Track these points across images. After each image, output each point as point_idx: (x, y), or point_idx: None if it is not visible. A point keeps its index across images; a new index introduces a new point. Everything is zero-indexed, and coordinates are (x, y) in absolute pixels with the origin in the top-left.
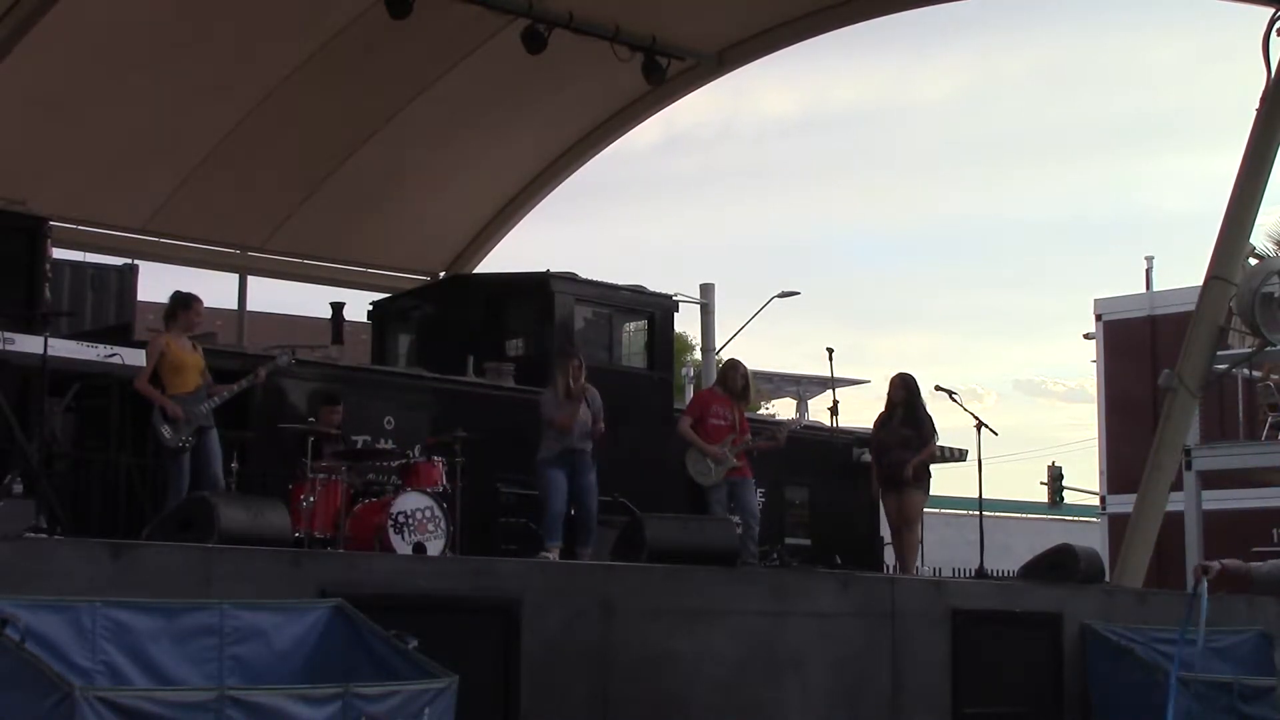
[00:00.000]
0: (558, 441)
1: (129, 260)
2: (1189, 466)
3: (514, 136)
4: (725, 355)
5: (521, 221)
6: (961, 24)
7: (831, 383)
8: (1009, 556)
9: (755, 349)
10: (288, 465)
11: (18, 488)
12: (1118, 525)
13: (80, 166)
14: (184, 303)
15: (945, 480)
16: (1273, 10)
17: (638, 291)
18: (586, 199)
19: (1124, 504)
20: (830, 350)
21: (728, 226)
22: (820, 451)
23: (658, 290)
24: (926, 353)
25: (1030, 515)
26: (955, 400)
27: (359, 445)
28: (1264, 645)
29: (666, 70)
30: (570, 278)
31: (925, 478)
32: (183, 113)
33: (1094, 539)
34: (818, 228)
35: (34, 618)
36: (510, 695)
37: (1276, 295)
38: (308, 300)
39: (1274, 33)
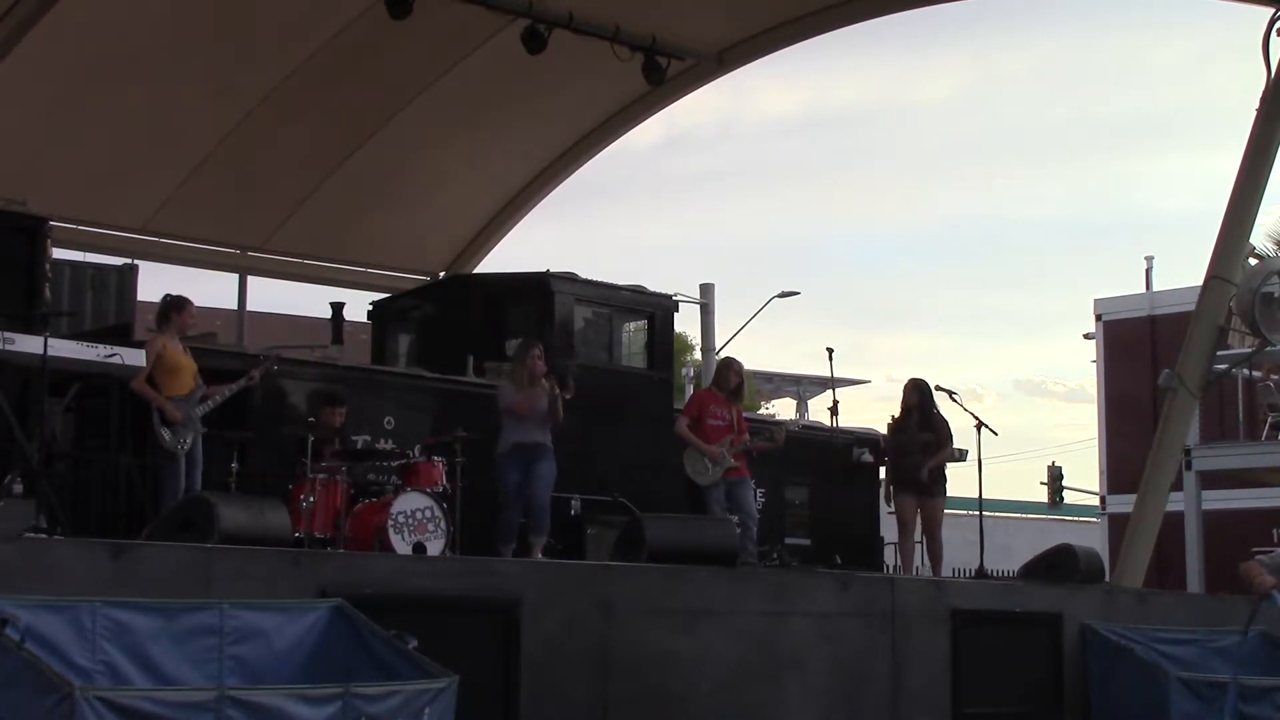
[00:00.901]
0: (513, 433)
1: (129, 260)
2: (1189, 466)
3: (514, 136)
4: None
5: (521, 221)
6: (961, 24)
7: (831, 383)
8: (1009, 556)
9: (755, 349)
10: (288, 465)
11: (18, 488)
12: (1118, 525)
13: (80, 166)
14: (177, 305)
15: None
16: (1273, 10)
17: (638, 291)
18: (586, 199)
19: (1124, 504)
20: (830, 350)
21: (728, 226)
22: (820, 451)
23: (658, 290)
24: (926, 353)
25: (1030, 515)
26: (955, 400)
27: (359, 445)
28: (1264, 645)
29: (666, 70)
30: (570, 278)
31: (943, 482)
32: (183, 113)
33: (1094, 539)
34: (818, 228)
35: (34, 618)
36: (510, 695)
37: (1276, 295)
38: (308, 300)
39: (1274, 33)
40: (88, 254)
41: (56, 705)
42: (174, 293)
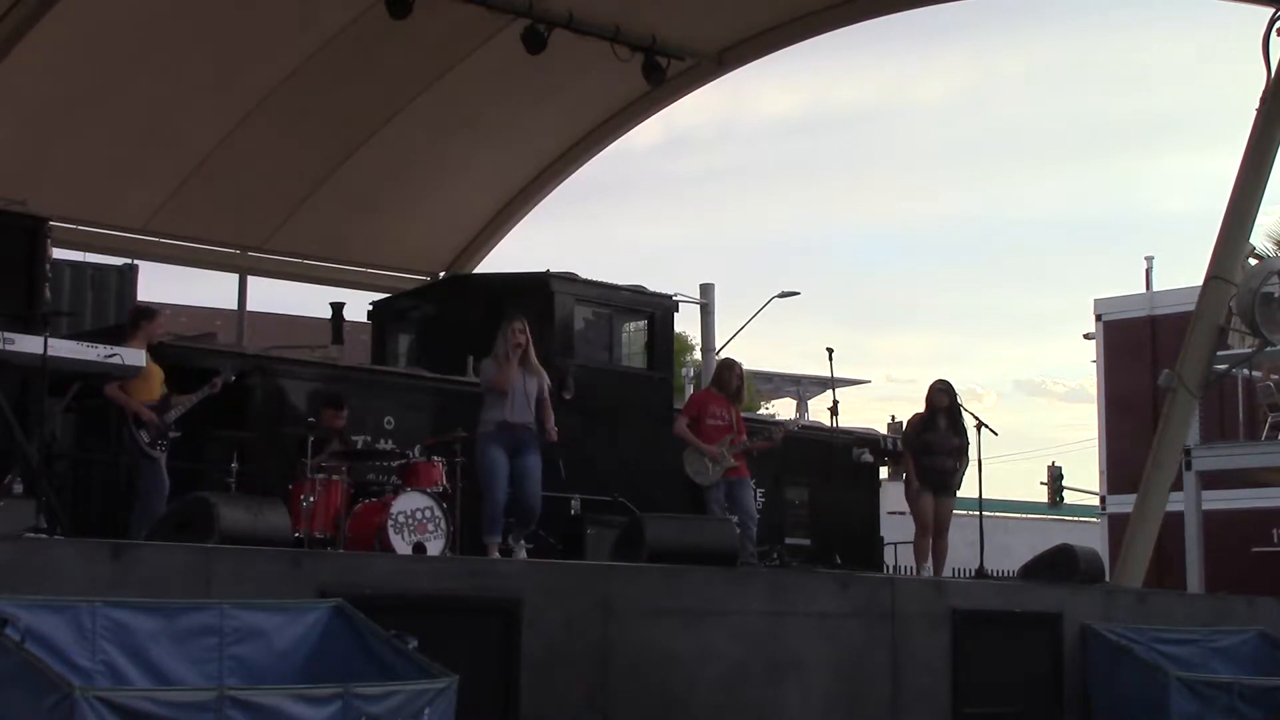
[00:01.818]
0: (497, 411)
1: (129, 260)
2: (1189, 466)
3: (514, 136)
4: (724, 355)
5: (521, 221)
6: (961, 24)
7: (831, 383)
8: (1009, 556)
9: (755, 349)
10: (288, 465)
11: (18, 488)
12: (1118, 525)
13: (80, 166)
14: (146, 314)
15: None
16: (1273, 10)
17: (638, 291)
18: (586, 199)
19: (1124, 504)
20: (830, 350)
21: (728, 226)
22: (820, 451)
23: (658, 290)
24: (926, 353)
25: (1030, 515)
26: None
27: (359, 445)
28: (1264, 645)
29: (666, 70)
30: (570, 278)
31: (959, 485)
32: (182, 113)
33: (1094, 539)
34: (818, 228)
35: (34, 618)
36: (510, 695)
37: (1276, 295)
38: (308, 300)
39: (1274, 33)
40: (88, 254)
41: (56, 705)
42: (145, 302)
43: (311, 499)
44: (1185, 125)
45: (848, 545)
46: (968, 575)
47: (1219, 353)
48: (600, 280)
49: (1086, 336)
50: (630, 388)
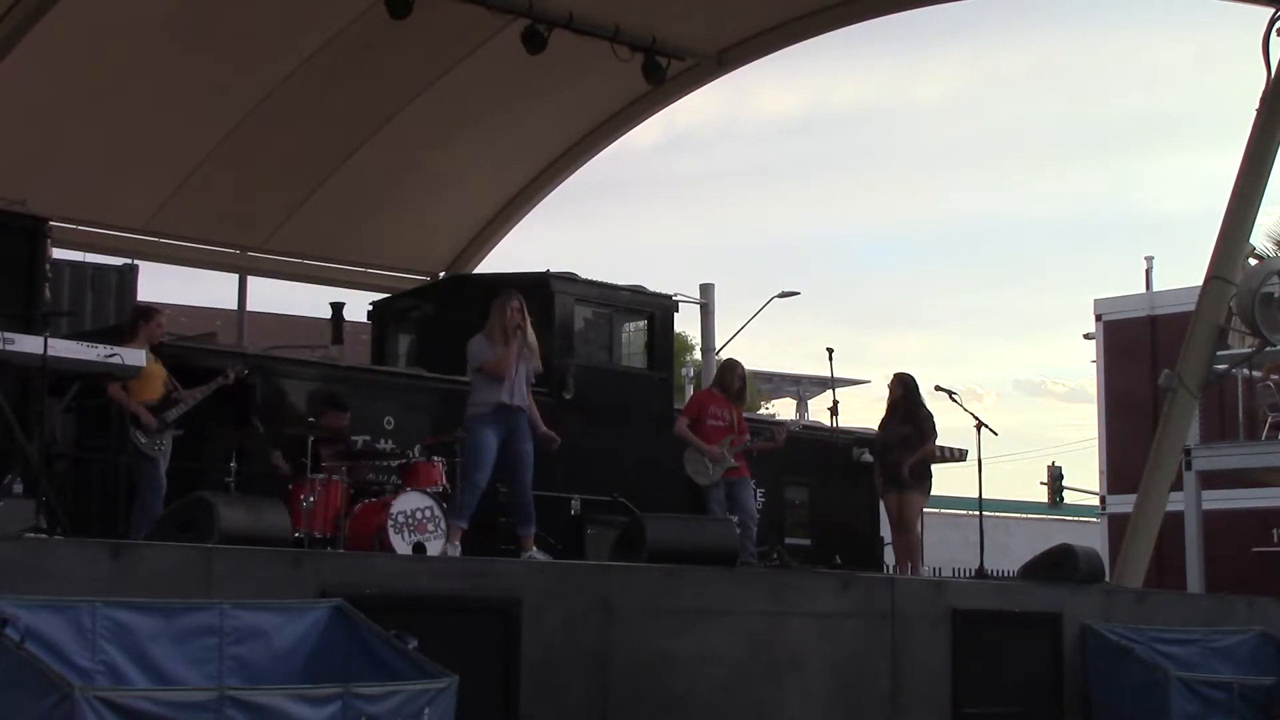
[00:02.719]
0: (493, 393)
1: (129, 260)
2: (1189, 466)
3: (514, 137)
4: (725, 355)
5: (521, 221)
6: (961, 24)
7: (831, 383)
8: (1009, 556)
9: (755, 349)
10: (288, 465)
11: (18, 488)
12: (1118, 525)
13: (80, 166)
14: (145, 314)
15: (945, 480)
16: (1273, 10)
17: (638, 291)
18: (586, 199)
19: (1124, 504)
20: (830, 350)
21: (728, 226)
22: (820, 451)
23: (658, 290)
24: (926, 353)
25: (1030, 515)
26: (955, 400)
27: (359, 445)
28: (1264, 645)
29: (666, 70)
30: (570, 278)
31: (925, 478)
32: (183, 113)
33: (1094, 539)
34: (818, 228)
35: (34, 618)
36: (510, 695)
37: (1276, 295)
38: (308, 300)
39: (1274, 33)
40: (88, 254)
41: (56, 705)
42: (145, 301)
43: (311, 499)
44: (1185, 125)
45: (848, 545)
46: (968, 575)
47: (1219, 353)
48: (600, 280)
49: (1086, 336)
50: (630, 388)
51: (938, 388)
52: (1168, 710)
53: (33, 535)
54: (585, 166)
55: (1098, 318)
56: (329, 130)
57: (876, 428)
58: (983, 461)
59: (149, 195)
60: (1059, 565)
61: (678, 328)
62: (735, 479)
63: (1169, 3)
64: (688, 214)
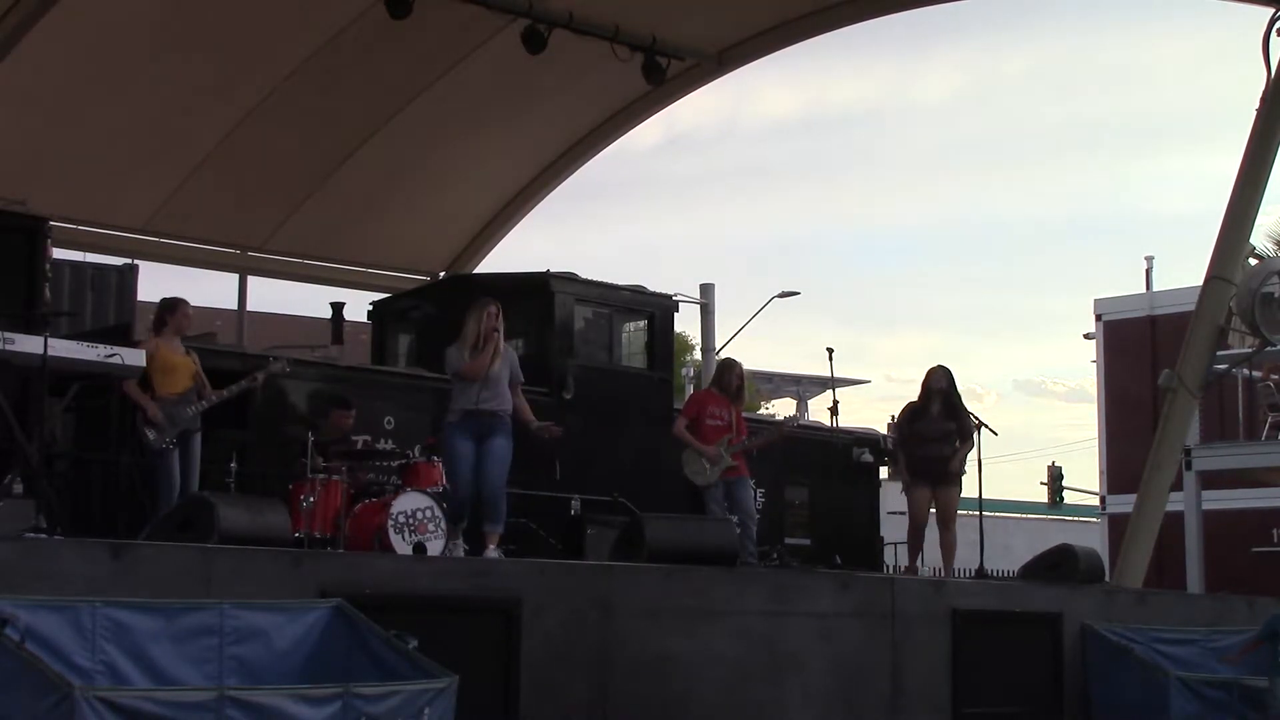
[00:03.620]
0: (463, 399)
1: (129, 260)
2: (1189, 466)
3: (514, 136)
4: (725, 355)
5: (521, 221)
6: (961, 24)
7: (831, 383)
8: (1009, 556)
9: (755, 349)
10: (288, 465)
11: (18, 488)
12: (1118, 525)
13: (80, 166)
14: (170, 307)
15: None
16: (1273, 10)
17: (638, 291)
18: (586, 199)
19: (1124, 504)
20: (830, 350)
21: (728, 226)
22: (820, 451)
23: (658, 290)
24: (926, 353)
25: (1030, 515)
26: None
27: (359, 445)
28: (1264, 645)
29: (666, 70)
30: (570, 278)
31: (962, 474)
32: (183, 113)
33: (1094, 539)
34: (818, 228)
35: (34, 618)
36: (510, 695)
37: (1276, 295)
38: (308, 300)
39: (1274, 33)
40: (88, 254)
41: (56, 705)
42: (171, 295)
43: (311, 499)
44: (1185, 125)
45: (848, 545)
46: (968, 575)
47: (1219, 353)
48: (600, 280)
49: (1086, 336)
50: (630, 388)
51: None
52: (1168, 710)
53: (33, 535)
54: (585, 166)
55: (1098, 318)
56: (329, 130)
57: (899, 416)
58: (983, 461)
59: (149, 195)
60: (1059, 565)
61: (678, 328)
62: (733, 479)
63: (1169, 3)
64: (688, 214)
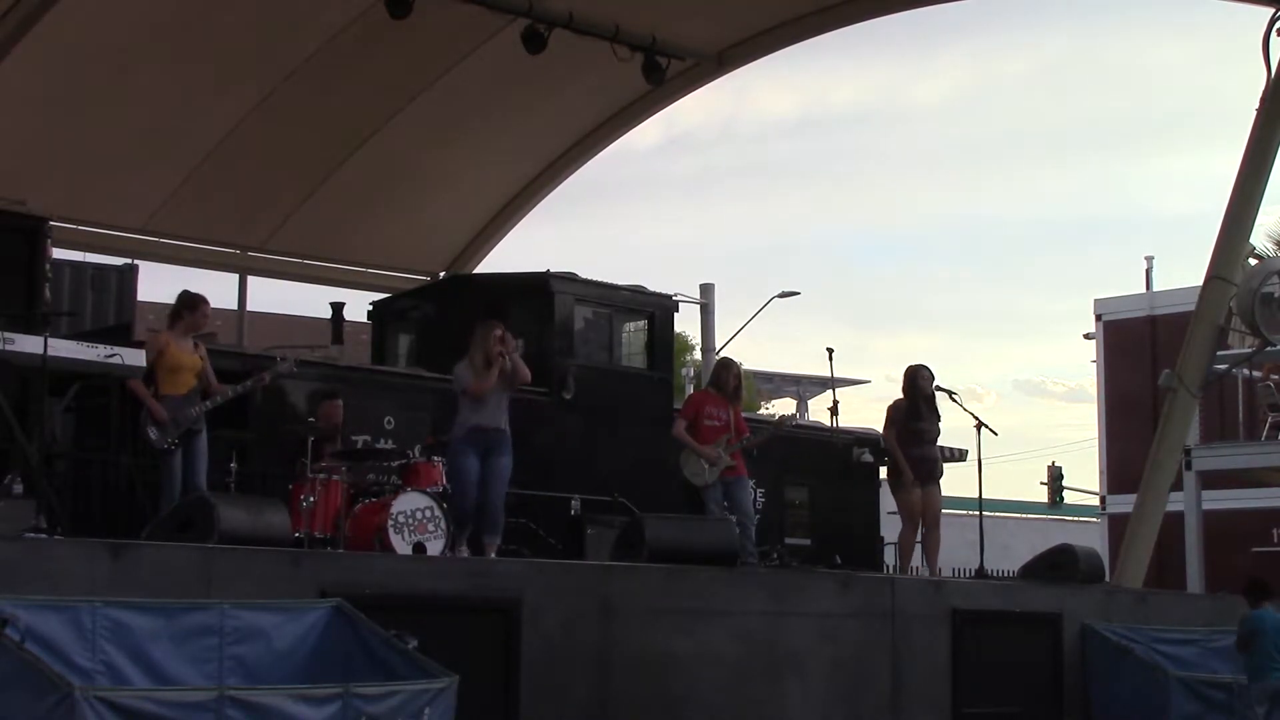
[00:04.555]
0: (470, 416)
1: (129, 260)
2: (1189, 466)
3: (514, 136)
4: (723, 355)
5: (521, 221)
6: (961, 24)
7: (831, 383)
8: (1009, 556)
9: (755, 349)
10: (288, 465)
11: (18, 488)
12: (1118, 525)
13: (80, 166)
14: (190, 304)
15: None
16: (1273, 10)
17: (638, 291)
18: (586, 199)
19: (1124, 504)
20: (830, 350)
21: (728, 226)
22: (820, 451)
23: (658, 290)
24: (926, 353)
25: (1030, 515)
26: (955, 400)
27: (359, 445)
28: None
29: (666, 70)
30: (570, 278)
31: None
32: (183, 112)
33: (1094, 539)
34: (818, 228)
35: (34, 618)
36: (510, 695)
37: (1276, 295)
38: (308, 300)
39: (1274, 33)
40: (88, 254)
41: (56, 705)
42: (190, 290)
43: (311, 499)
44: (1185, 125)
45: (848, 545)
46: (968, 575)
47: (1219, 353)
48: (600, 280)
49: (1086, 336)
50: (630, 388)
51: (938, 387)
52: (1168, 710)
53: (33, 535)
54: (585, 166)
55: (1098, 318)
56: (329, 130)
57: (902, 415)
58: (983, 461)
59: (149, 195)
60: (1059, 565)
61: (678, 328)
62: (732, 479)
63: (1169, 3)
64: (688, 214)
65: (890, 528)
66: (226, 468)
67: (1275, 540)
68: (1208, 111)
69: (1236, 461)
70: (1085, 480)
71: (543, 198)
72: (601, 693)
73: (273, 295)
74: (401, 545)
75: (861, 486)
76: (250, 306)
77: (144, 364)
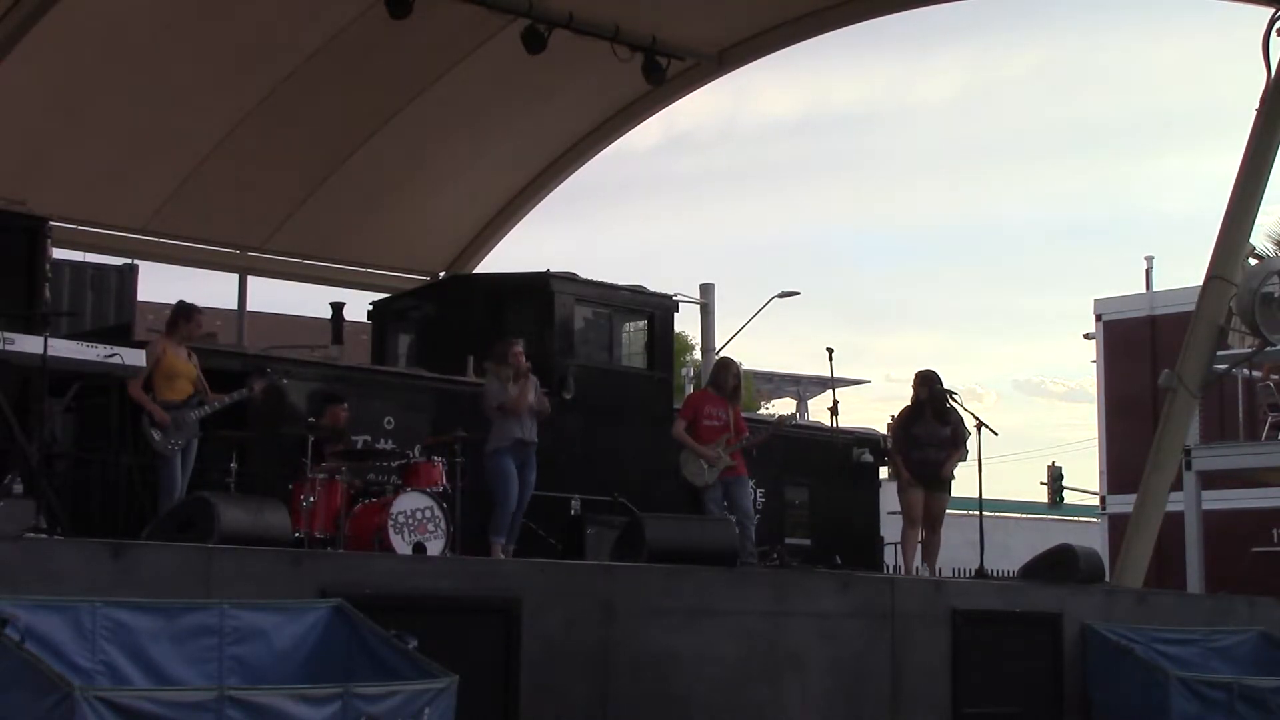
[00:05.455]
0: (509, 431)
1: (129, 260)
2: (1189, 466)
3: (514, 136)
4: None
5: (521, 221)
6: (961, 24)
7: (831, 383)
8: (1009, 556)
9: (755, 349)
10: (288, 465)
11: (18, 488)
12: (1118, 525)
13: (80, 166)
14: (185, 313)
15: None
16: (1273, 10)
17: (638, 291)
18: (586, 199)
19: (1124, 504)
20: (830, 350)
21: (728, 226)
22: (820, 451)
23: (658, 290)
24: (926, 353)
25: (1030, 515)
26: (955, 400)
27: (359, 445)
28: (1264, 645)
29: (666, 70)
30: (570, 278)
31: (953, 479)
32: (183, 112)
33: (1094, 539)
34: (818, 228)
35: (34, 618)
36: (510, 695)
37: (1276, 295)
38: (308, 300)
39: (1274, 33)
40: (88, 254)
41: (56, 705)
42: (187, 300)
43: (311, 499)
44: (1185, 125)
45: (848, 545)
46: (968, 575)
47: (1219, 353)
48: (600, 280)
49: (1086, 336)
50: (630, 388)
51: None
52: (1168, 710)
53: (33, 535)
54: (585, 166)
55: (1098, 318)
56: (329, 130)
57: (901, 419)
58: (983, 461)
59: (149, 195)
60: (1059, 565)
61: (678, 328)
62: (731, 479)
63: (1169, 3)
64: (688, 214)
65: (890, 528)
66: (226, 468)
67: (1275, 540)
68: (1208, 111)
69: (1236, 461)
70: (1085, 480)
71: (543, 198)
72: (601, 693)
73: (273, 295)
74: (401, 545)
75: (861, 486)
76: (250, 306)
77: (144, 364)
